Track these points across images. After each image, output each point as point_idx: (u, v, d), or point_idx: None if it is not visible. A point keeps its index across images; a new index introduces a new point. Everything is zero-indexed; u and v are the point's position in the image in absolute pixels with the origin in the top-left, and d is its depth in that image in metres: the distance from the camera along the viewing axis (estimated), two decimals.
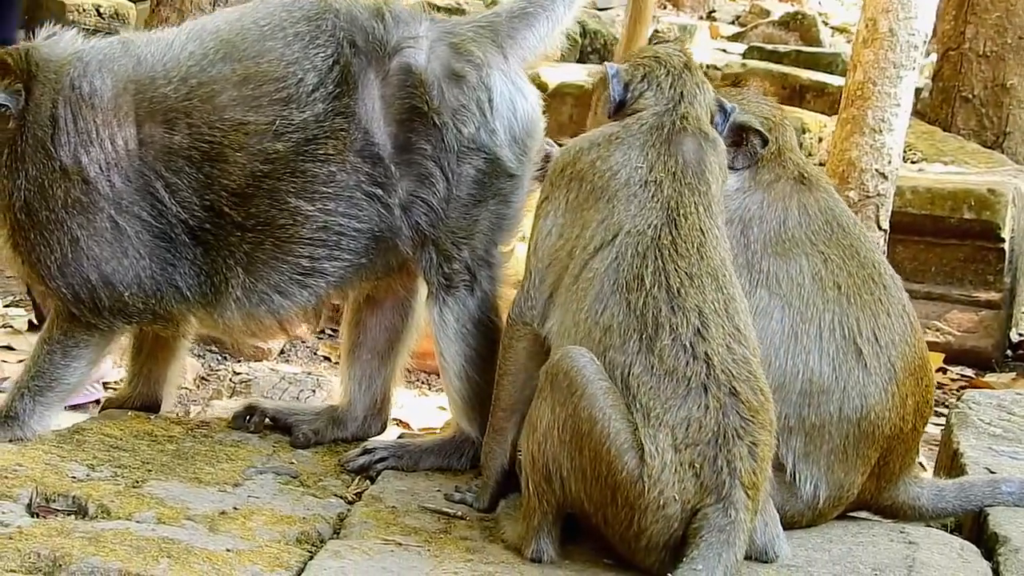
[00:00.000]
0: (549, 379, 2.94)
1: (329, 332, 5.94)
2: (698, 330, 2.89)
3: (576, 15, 3.75)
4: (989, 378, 7.02)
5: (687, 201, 3.06)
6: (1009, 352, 7.73)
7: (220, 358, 5.70)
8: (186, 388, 5.30)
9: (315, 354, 5.98)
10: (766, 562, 2.99)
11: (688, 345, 2.87)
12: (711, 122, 3.28)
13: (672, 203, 3.05)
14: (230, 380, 5.51)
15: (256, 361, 5.72)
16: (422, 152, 3.42)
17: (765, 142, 3.45)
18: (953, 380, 6.91)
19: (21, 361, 5.36)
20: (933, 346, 5.20)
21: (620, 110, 3.29)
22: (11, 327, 5.76)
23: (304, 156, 3.40)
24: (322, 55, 3.42)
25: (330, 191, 3.41)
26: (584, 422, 2.83)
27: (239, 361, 5.70)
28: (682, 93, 3.25)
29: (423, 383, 5.76)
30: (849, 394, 3.23)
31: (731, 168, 3.40)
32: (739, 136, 3.43)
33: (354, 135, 3.41)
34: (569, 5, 3.65)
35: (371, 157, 3.42)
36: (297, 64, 3.41)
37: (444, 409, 5.20)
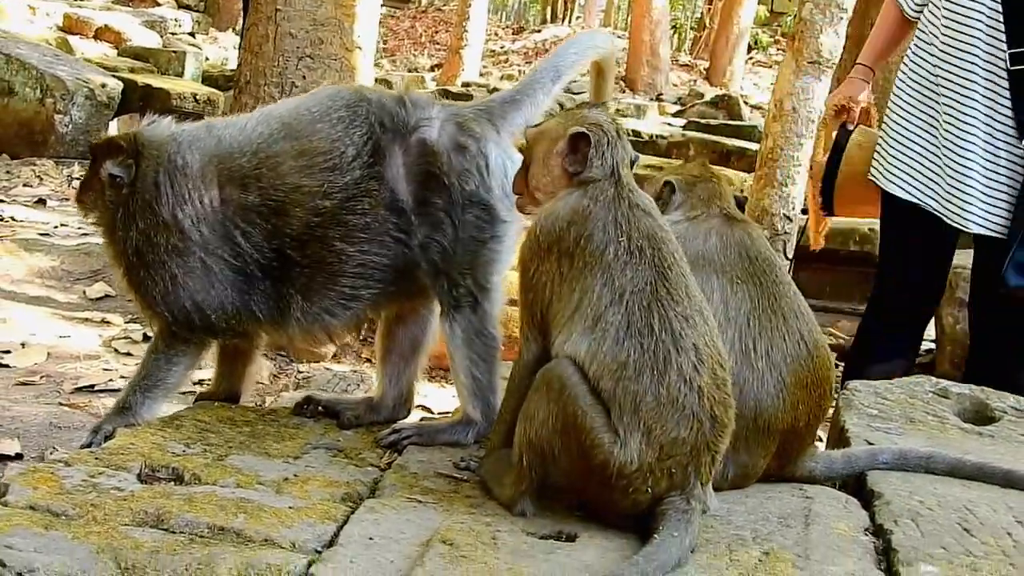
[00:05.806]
0: (545, 381, 2.83)
1: (371, 339, 5.96)
2: (695, 365, 2.74)
3: (554, 100, 3.72)
4: None
5: (665, 255, 2.88)
6: None
7: (287, 360, 5.71)
8: (262, 384, 5.30)
9: (359, 357, 5.97)
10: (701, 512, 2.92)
11: (688, 379, 2.73)
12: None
13: (656, 260, 2.86)
14: (295, 377, 5.52)
15: (315, 362, 5.75)
16: (435, 205, 3.39)
17: (673, 190, 3.43)
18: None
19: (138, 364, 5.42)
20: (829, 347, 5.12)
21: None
22: (131, 338, 5.78)
23: (346, 210, 3.38)
24: (359, 133, 3.40)
25: (366, 236, 3.39)
26: (570, 416, 2.75)
27: (302, 362, 5.73)
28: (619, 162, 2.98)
29: (442, 378, 5.75)
30: (745, 397, 3.12)
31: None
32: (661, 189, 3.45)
33: (383, 193, 3.39)
34: (548, 93, 3.64)
35: (396, 210, 3.40)
36: (340, 141, 3.39)
37: (456, 397, 5.21)
